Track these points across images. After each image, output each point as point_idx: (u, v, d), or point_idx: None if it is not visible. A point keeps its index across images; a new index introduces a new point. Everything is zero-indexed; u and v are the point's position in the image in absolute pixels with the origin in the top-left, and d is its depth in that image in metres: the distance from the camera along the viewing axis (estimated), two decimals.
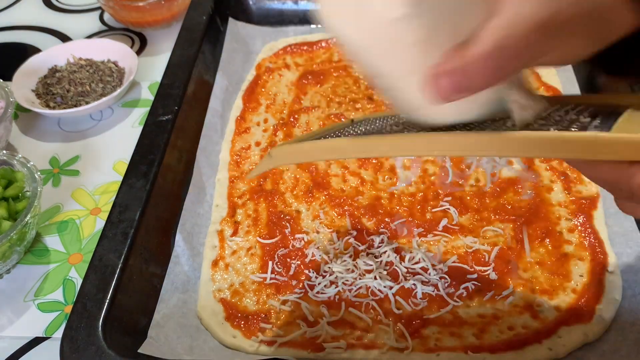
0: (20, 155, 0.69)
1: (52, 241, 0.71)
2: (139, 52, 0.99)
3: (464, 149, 0.32)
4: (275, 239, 0.66)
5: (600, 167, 0.31)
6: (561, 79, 0.82)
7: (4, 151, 0.70)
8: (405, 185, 0.70)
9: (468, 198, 0.68)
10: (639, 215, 0.33)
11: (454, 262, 0.62)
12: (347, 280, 0.61)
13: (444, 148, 0.33)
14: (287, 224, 0.67)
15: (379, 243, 0.64)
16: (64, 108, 0.85)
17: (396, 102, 0.35)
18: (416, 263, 0.62)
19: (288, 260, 0.63)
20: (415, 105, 0.34)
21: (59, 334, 0.61)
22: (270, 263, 0.63)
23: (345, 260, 0.63)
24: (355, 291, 0.60)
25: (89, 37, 1.04)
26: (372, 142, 0.36)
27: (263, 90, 0.86)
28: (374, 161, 0.73)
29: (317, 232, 0.66)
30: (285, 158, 0.41)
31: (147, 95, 0.91)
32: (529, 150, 0.30)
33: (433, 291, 0.59)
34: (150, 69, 0.95)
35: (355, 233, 0.65)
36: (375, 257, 0.63)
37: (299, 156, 0.40)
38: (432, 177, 0.71)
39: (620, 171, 0.29)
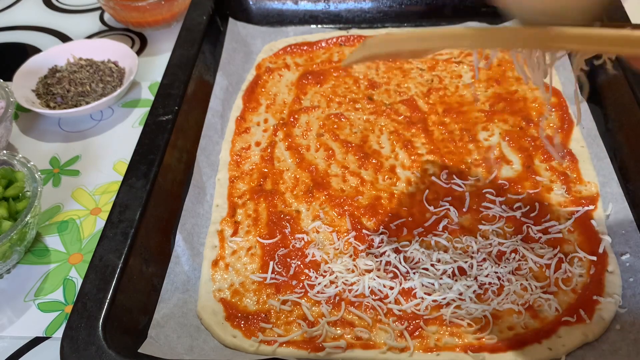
0: (20, 155, 0.69)
1: (53, 241, 0.71)
2: (139, 52, 0.99)
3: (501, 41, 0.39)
4: (275, 239, 0.66)
5: None
6: (561, 79, 0.82)
7: (5, 151, 0.70)
8: (405, 185, 0.70)
9: (468, 198, 0.68)
10: None
11: (454, 261, 0.62)
12: (347, 280, 0.61)
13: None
14: (287, 224, 0.67)
15: (379, 243, 0.64)
16: (64, 108, 0.85)
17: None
18: (416, 263, 0.62)
19: (288, 260, 0.64)
20: None
21: (59, 333, 0.61)
22: (270, 263, 0.63)
23: (345, 260, 0.63)
24: (355, 291, 0.60)
25: (89, 37, 1.04)
26: (456, 32, 0.41)
27: (263, 90, 0.86)
28: (373, 161, 0.73)
29: (317, 232, 0.66)
30: (378, 46, 0.46)
31: (147, 95, 0.91)
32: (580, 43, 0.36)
33: (433, 291, 0.59)
34: (150, 69, 0.95)
35: (355, 233, 0.65)
36: (375, 257, 0.63)
37: (390, 45, 0.46)
38: (432, 177, 0.71)
39: None
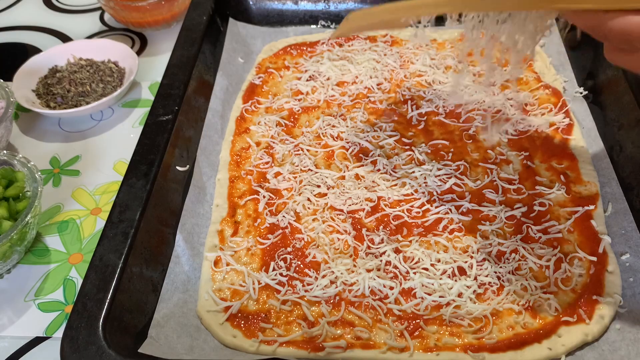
0: (20, 155, 0.69)
1: (53, 241, 0.71)
2: (139, 53, 0.99)
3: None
4: (276, 239, 0.66)
5: (581, 15, 0.41)
6: (561, 79, 0.82)
7: (5, 151, 0.70)
8: (405, 185, 0.70)
9: (468, 198, 0.68)
10: (624, 64, 0.41)
11: (454, 261, 0.62)
12: (347, 280, 0.61)
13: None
14: (287, 224, 0.67)
15: (379, 243, 0.64)
16: (65, 108, 0.85)
17: None
18: (416, 263, 0.62)
19: (288, 260, 0.64)
20: None
21: (59, 333, 0.61)
22: (270, 263, 0.63)
23: (345, 261, 0.63)
24: (355, 291, 0.60)
25: (90, 37, 1.04)
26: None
27: (263, 90, 0.86)
28: (373, 160, 0.73)
29: (317, 232, 0.66)
30: (360, 19, 0.51)
31: (148, 95, 0.91)
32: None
33: (433, 291, 0.59)
34: (150, 69, 0.95)
35: (355, 233, 0.65)
36: (375, 257, 0.63)
37: (372, 16, 0.50)
38: (432, 177, 0.71)
39: (596, 17, 0.39)
